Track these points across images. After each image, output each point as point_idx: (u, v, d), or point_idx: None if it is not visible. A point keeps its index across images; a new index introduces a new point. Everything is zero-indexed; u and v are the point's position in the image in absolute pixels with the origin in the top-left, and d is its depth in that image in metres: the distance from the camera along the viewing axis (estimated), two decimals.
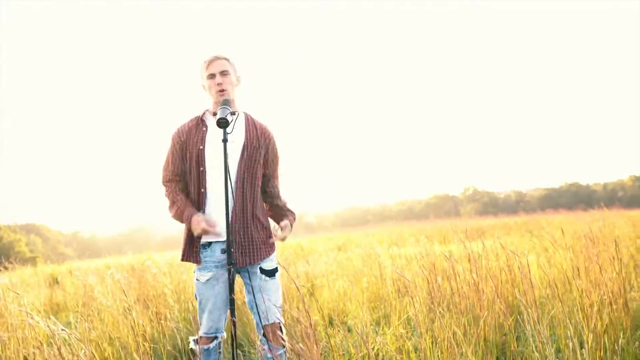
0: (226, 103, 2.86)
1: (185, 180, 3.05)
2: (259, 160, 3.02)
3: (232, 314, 2.83)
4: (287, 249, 12.25)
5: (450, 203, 61.26)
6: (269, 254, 2.97)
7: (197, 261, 2.95)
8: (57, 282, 9.74)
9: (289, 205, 3.20)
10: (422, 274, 2.88)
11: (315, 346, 2.06)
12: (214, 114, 2.96)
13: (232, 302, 2.82)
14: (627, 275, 3.82)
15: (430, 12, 65.96)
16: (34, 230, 52.06)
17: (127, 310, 4.46)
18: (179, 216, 2.98)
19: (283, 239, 3.04)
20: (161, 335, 4.22)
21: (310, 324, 2.06)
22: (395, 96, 73.53)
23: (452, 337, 2.35)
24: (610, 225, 7.56)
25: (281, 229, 3.04)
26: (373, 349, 3.33)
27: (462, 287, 2.89)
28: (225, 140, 2.77)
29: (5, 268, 9.58)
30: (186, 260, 3.02)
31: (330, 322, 4.70)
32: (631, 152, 68.23)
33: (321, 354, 2.59)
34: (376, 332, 3.94)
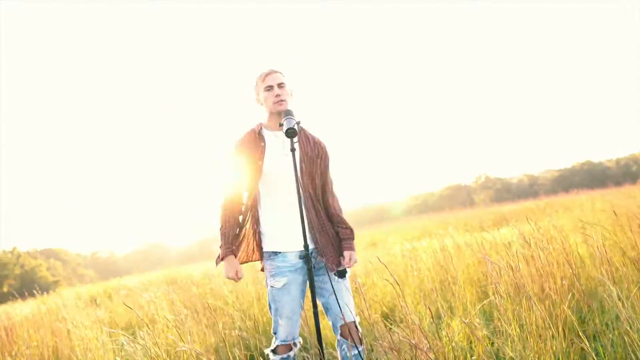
0: (289, 113, 2.93)
1: (241, 197, 3.11)
2: (317, 170, 3.07)
3: (316, 318, 2.88)
4: None
5: (464, 193, 61.06)
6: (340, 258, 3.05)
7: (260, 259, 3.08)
8: (96, 303, 9.83)
9: (344, 220, 3.15)
10: (501, 260, 2.93)
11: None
12: (280, 125, 2.97)
13: (315, 306, 2.88)
14: None
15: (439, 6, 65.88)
16: (52, 254, 52.39)
17: (188, 321, 4.53)
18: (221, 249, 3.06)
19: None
20: (227, 344, 4.29)
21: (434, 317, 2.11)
22: (399, 93, 73.43)
23: (543, 322, 2.40)
24: None
25: (347, 261, 3.03)
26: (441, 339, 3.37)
27: (538, 272, 2.93)
28: (293, 150, 2.85)
29: (33, 296, 9.65)
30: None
31: (387, 318, 4.75)
32: None
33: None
34: (438, 325, 3.98)
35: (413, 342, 2.13)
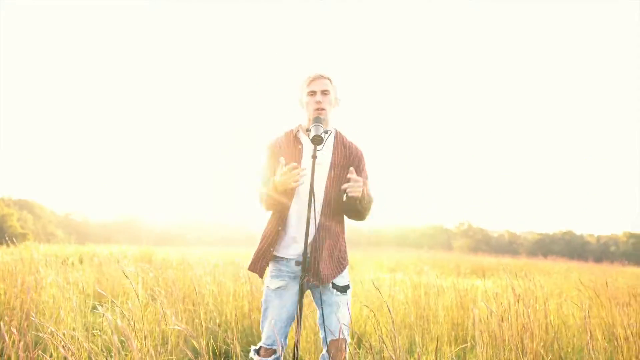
0: (318, 120, 2.88)
1: None
2: (345, 178, 2.99)
3: (299, 324, 2.89)
4: None
5: (444, 236, 61.31)
6: (341, 271, 3.01)
7: (261, 274, 3.01)
8: (71, 264, 9.74)
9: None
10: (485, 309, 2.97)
11: None
12: (308, 130, 2.97)
13: (300, 313, 2.88)
14: None
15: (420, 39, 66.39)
16: (27, 206, 51.68)
17: (164, 301, 4.52)
18: (271, 190, 2.89)
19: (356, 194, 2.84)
20: (198, 333, 4.29)
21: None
22: (402, 118, 73.68)
23: None
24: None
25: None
26: None
27: (521, 327, 2.98)
28: (314, 157, 2.80)
29: (8, 245, 9.57)
30: (252, 270, 3.04)
31: (359, 343, 4.77)
32: (628, 209, 68.51)
33: None
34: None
35: None
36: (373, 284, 3.13)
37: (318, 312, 3.00)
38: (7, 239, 9.20)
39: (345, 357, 2.94)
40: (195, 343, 2.21)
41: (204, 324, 4.34)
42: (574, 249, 51.94)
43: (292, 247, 3.00)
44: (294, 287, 2.98)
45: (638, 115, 66.07)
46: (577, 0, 61.50)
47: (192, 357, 2.32)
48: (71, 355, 2.52)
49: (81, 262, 10.33)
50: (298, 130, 3.10)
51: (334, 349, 2.92)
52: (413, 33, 64.58)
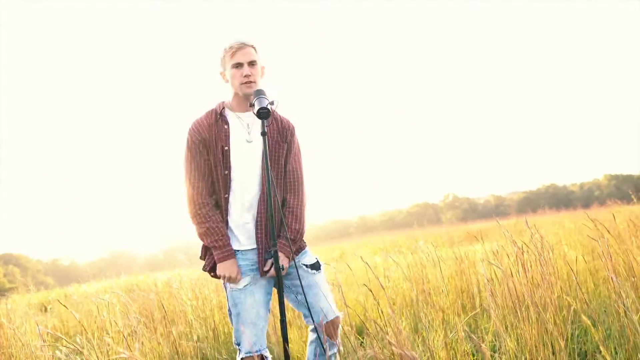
0: (261, 92, 2.55)
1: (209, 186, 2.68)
2: (282, 155, 2.72)
3: (283, 326, 2.53)
4: None
5: (431, 211, 61.38)
6: (303, 249, 2.78)
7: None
8: (46, 310, 9.26)
9: (295, 228, 2.69)
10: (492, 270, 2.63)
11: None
12: (251, 105, 2.57)
13: (282, 301, 2.53)
14: None
15: (405, 17, 66.48)
16: (11, 260, 50.76)
17: (141, 329, 4.12)
18: (214, 245, 2.61)
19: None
20: (179, 354, 3.89)
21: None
22: (365, 107, 73.64)
23: (543, 335, 2.11)
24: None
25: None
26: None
27: (533, 281, 2.64)
28: (264, 134, 2.48)
29: None
30: (209, 270, 2.71)
31: (359, 332, 4.43)
32: (604, 151, 69.27)
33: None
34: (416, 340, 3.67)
35: (400, 351, 1.80)
36: (362, 259, 2.81)
37: (292, 300, 2.76)
38: None
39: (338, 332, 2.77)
40: None
41: (185, 344, 3.96)
42: (559, 200, 52.19)
43: (243, 236, 2.66)
44: (261, 279, 2.64)
45: (609, 63, 66.92)
46: None
47: None
48: None
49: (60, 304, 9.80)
50: (223, 108, 2.73)
51: (332, 329, 2.71)
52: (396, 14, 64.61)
